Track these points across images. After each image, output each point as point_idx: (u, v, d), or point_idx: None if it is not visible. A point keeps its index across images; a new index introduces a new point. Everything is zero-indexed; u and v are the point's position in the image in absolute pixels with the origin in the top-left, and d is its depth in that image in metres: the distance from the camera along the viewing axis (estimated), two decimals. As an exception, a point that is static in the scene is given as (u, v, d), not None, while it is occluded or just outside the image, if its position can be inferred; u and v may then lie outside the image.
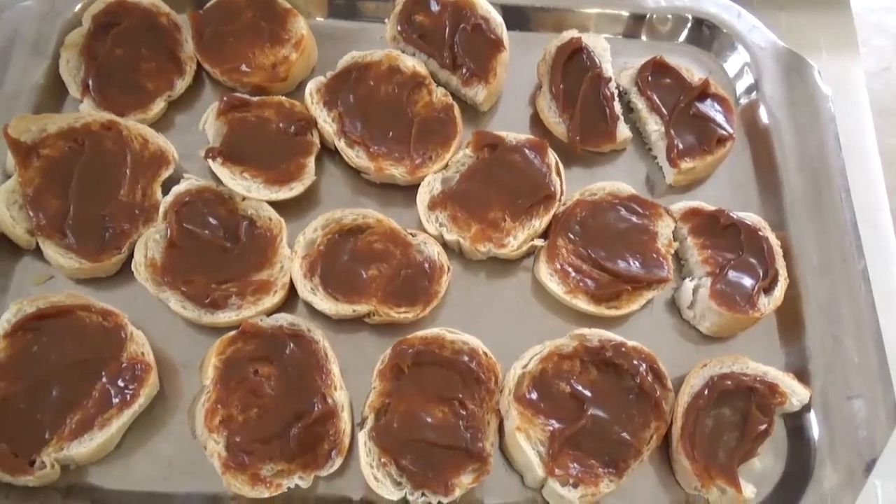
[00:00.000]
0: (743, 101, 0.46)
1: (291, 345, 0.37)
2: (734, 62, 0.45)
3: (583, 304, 0.39)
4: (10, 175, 0.38)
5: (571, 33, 0.45)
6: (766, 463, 0.37)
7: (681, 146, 0.43)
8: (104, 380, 0.35)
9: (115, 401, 0.35)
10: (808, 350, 0.39)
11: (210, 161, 0.41)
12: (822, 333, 0.38)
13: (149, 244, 0.38)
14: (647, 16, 0.46)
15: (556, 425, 0.35)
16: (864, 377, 0.37)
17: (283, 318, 0.37)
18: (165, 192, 0.40)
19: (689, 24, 0.46)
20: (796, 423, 0.38)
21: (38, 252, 0.39)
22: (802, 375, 0.38)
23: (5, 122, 0.39)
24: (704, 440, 0.36)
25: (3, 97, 0.39)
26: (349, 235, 0.40)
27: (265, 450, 0.34)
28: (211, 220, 0.39)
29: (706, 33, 0.47)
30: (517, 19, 0.46)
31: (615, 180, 0.42)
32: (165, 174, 0.40)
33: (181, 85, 0.44)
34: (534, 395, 0.36)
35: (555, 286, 0.39)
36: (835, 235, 0.40)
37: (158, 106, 0.43)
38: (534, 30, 0.47)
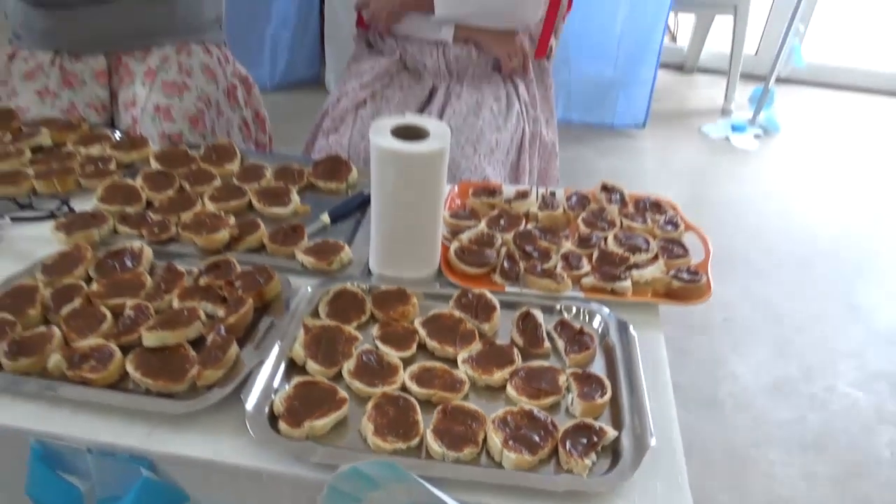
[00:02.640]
0: (601, 340, 0.95)
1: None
2: (595, 323, 0.97)
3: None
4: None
5: (525, 308, 0.98)
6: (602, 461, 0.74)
7: (568, 347, 0.92)
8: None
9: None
10: (622, 424, 0.80)
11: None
12: (626, 418, 0.80)
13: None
14: (558, 306, 1.00)
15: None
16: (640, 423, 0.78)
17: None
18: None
19: (575, 309, 1.00)
20: (616, 446, 0.77)
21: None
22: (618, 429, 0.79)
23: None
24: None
25: (294, 322, 0.91)
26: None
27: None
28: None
29: (583, 313, 1.00)
30: (508, 305, 0.99)
31: (542, 363, 0.90)
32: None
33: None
34: None
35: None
36: (636, 393, 0.83)
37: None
38: (512, 309, 0.98)
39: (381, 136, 0.89)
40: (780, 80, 3.41)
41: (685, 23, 3.94)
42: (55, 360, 0.78)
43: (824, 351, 1.91)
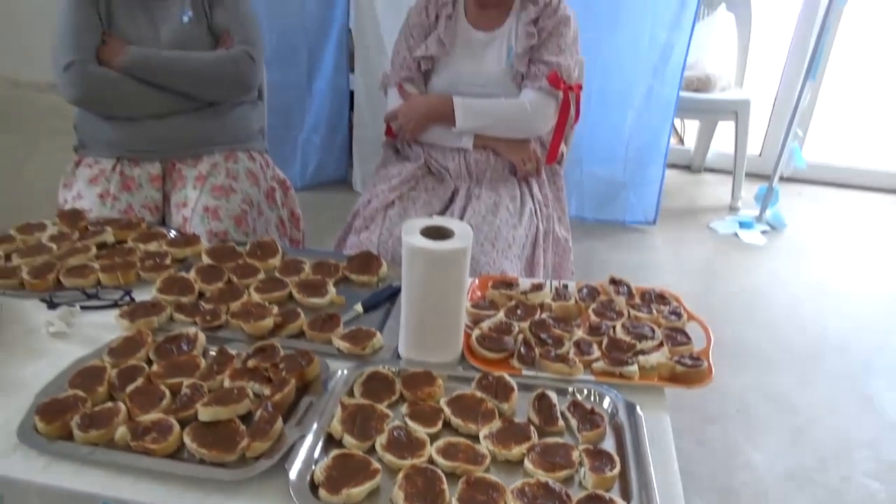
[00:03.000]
0: (611, 420, 1.04)
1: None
2: (605, 404, 1.05)
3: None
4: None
5: (540, 390, 1.07)
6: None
7: (580, 426, 1.00)
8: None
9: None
10: (630, 496, 0.87)
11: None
12: (634, 490, 0.87)
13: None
14: (571, 388, 1.09)
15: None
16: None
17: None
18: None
19: (586, 391, 1.09)
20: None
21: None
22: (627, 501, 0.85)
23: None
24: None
25: (331, 401, 1.02)
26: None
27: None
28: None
29: (594, 395, 1.08)
30: (525, 387, 1.09)
31: (556, 441, 0.98)
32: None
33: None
34: None
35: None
36: (643, 468, 0.88)
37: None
38: (528, 390, 1.08)
39: (411, 236, 1.02)
40: (784, 179, 3.56)
41: (691, 127, 4.15)
42: (121, 432, 0.88)
43: (839, 441, 1.93)
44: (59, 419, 0.84)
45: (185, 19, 1.67)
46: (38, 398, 0.88)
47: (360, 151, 3.32)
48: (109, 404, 0.89)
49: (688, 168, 4.04)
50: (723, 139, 3.84)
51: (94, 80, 1.58)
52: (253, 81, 1.74)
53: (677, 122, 4.18)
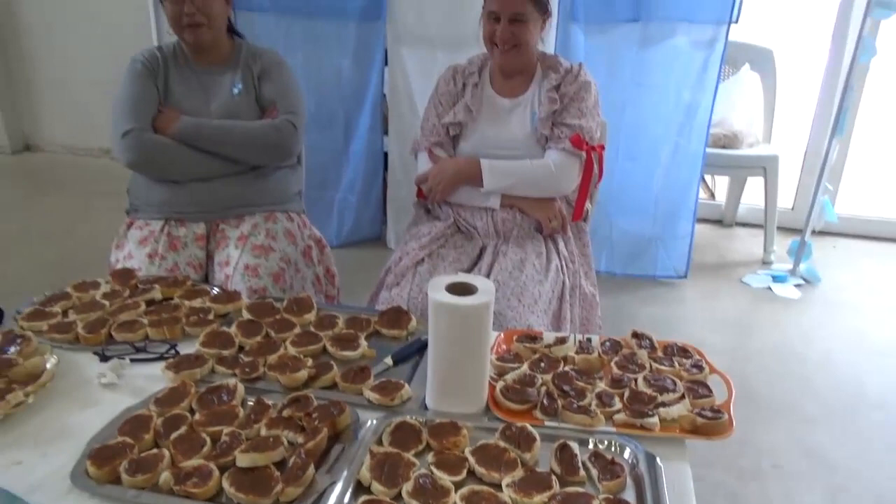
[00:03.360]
0: (631, 470, 1.05)
1: None
2: (626, 455, 1.07)
3: None
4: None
5: (562, 440, 1.10)
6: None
7: (601, 475, 1.02)
8: None
9: None
10: None
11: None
12: None
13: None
14: (592, 439, 1.11)
15: None
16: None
17: None
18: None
19: (607, 442, 1.11)
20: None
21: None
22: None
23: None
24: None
25: (361, 449, 1.06)
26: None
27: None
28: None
29: (615, 446, 1.10)
30: (547, 437, 1.11)
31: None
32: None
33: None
34: None
35: None
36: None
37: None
38: (551, 441, 1.11)
39: (437, 292, 1.08)
40: (817, 233, 3.55)
41: (722, 182, 4.18)
42: (165, 477, 0.94)
43: (878, 500, 1.88)
44: (108, 464, 0.90)
45: (236, 91, 1.81)
46: (90, 444, 0.95)
47: (393, 210, 3.43)
48: (155, 451, 0.94)
49: (719, 222, 4.05)
50: (754, 193, 3.86)
51: (148, 146, 1.72)
52: (294, 148, 1.86)
53: (708, 177, 4.21)
